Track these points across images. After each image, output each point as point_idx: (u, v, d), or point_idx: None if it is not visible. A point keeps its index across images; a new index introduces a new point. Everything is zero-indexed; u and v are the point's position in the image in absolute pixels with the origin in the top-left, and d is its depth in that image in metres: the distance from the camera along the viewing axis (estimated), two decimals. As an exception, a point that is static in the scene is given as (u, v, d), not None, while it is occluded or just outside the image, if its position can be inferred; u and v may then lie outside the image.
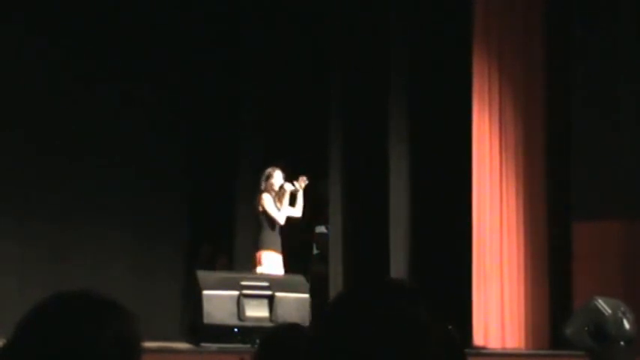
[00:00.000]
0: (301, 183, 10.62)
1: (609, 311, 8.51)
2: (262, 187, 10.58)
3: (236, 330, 9.64)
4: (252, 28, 12.75)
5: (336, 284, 11.45)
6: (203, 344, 9.59)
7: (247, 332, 9.48)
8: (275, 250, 10.50)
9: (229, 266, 12.26)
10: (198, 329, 9.68)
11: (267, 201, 10.50)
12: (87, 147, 12.15)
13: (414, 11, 11.64)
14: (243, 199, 12.56)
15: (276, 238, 10.54)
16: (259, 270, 10.41)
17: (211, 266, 12.05)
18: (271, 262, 10.42)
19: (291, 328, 3.47)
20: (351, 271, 11.74)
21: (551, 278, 10.47)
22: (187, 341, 9.96)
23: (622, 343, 8.38)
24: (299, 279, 10.22)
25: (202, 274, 10.02)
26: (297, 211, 10.72)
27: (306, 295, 10.04)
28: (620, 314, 8.51)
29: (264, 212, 10.50)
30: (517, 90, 10.78)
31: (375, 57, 11.84)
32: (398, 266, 11.32)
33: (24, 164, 11.77)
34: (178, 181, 12.89)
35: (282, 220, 10.50)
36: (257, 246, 10.56)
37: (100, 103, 12.28)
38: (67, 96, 12.08)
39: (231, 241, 12.60)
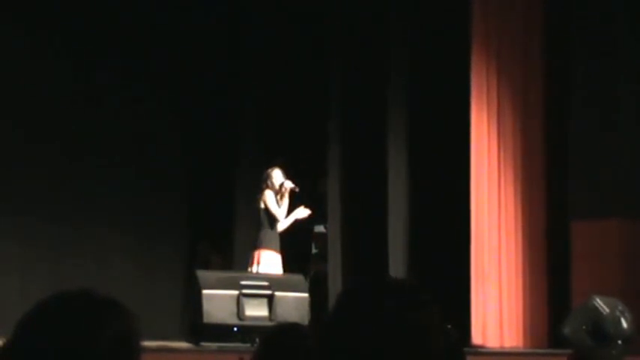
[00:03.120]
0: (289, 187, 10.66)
1: (607, 310, 8.53)
2: (263, 186, 10.62)
3: (236, 329, 9.65)
4: (252, 28, 12.75)
5: (335, 283, 11.46)
6: (203, 343, 9.60)
7: (247, 331, 9.50)
8: (274, 249, 10.52)
9: (223, 266, 12.26)
10: (198, 328, 9.69)
11: (269, 198, 10.54)
12: (87, 147, 12.16)
13: (413, 11, 11.64)
14: (243, 199, 12.56)
15: (275, 237, 10.56)
16: (257, 269, 10.42)
17: (208, 266, 12.06)
18: (270, 262, 10.44)
19: (291, 327, 3.48)
20: (350, 271, 11.75)
21: (549, 277, 10.48)
22: (187, 340, 9.98)
23: (620, 342, 8.40)
24: (298, 278, 10.24)
25: (202, 274, 10.03)
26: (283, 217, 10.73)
27: (306, 295, 10.05)
28: (618, 313, 8.52)
29: (266, 209, 10.53)
30: (516, 89, 10.79)
31: (374, 57, 11.85)
32: (396, 265, 11.33)
33: (24, 164, 11.77)
34: (178, 180, 12.89)
35: (282, 217, 10.54)
36: (255, 244, 10.57)
37: (100, 103, 12.28)
38: (67, 96, 12.08)
39: (230, 240, 12.60)
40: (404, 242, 11.44)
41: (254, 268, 10.47)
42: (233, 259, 12.42)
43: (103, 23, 12.26)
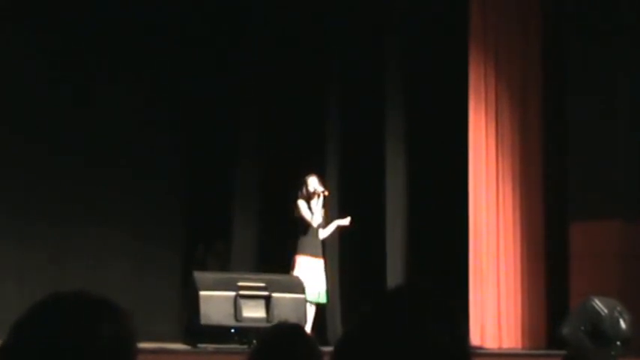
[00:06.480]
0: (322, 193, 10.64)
1: (606, 311, 8.52)
2: (299, 194, 10.58)
3: (233, 331, 9.64)
4: (252, 27, 12.73)
5: (333, 284, 11.43)
6: (200, 345, 9.58)
7: (244, 333, 9.49)
8: (311, 254, 10.47)
9: (220, 267, 12.24)
10: (195, 330, 9.68)
11: (301, 206, 10.51)
12: (86, 147, 12.14)
13: (411, 10, 11.64)
14: (241, 200, 12.56)
15: (312, 243, 10.51)
16: (294, 274, 10.39)
17: (205, 267, 12.03)
18: (307, 267, 10.40)
19: (290, 328, 3.46)
20: (348, 272, 11.75)
21: (547, 278, 10.47)
22: (184, 342, 9.97)
23: (618, 342, 8.39)
24: (296, 279, 10.23)
25: (199, 275, 10.01)
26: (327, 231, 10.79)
27: (303, 296, 10.04)
28: (616, 314, 8.52)
29: (300, 218, 10.51)
30: (514, 89, 10.79)
31: (372, 57, 11.85)
32: (395, 265, 11.33)
33: (23, 165, 11.75)
34: (177, 181, 12.88)
35: (315, 223, 10.49)
36: (294, 251, 10.55)
37: (99, 103, 12.27)
38: (66, 97, 12.06)
39: (228, 242, 12.58)
40: (402, 243, 11.44)
41: (294, 273, 10.43)
42: (230, 261, 12.41)
43: (104, 23, 12.24)
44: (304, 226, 10.52)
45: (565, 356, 4.91)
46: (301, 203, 10.54)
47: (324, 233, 10.73)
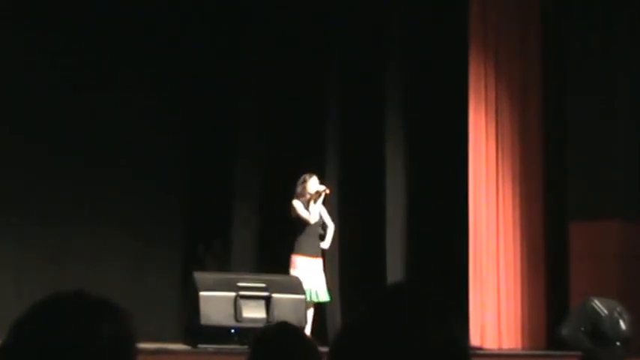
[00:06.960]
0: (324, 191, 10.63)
1: (605, 312, 8.52)
2: (297, 191, 10.55)
3: (233, 331, 9.64)
4: (252, 27, 12.73)
5: (333, 284, 11.44)
6: (200, 345, 9.59)
7: (244, 333, 9.48)
8: (308, 254, 10.44)
9: (220, 267, 12.24)
10: (195, 330, 9.68)
11: (297, 206, 10.48)
12: (85, 147, 12.13)
13: (411, 12, 11.64)
14: (241, 200, 12.55)
15: (308, 242, 10.47)
16: (293, 273, 10.38)
17: (205, 267, 12.04)
18: (304, 267, 10.38)
19: (283, 326, 3.45)
20: (347, 272, 11.74)
21: (547, 278, 10.48)
22: (184, 342, 9.97)
23: (618, 343, 8.39)
24: (296, 280, 10.23)
25: (199, 275, 10.01)
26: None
27: (303, 296, 10.04)
28: (616, 314, 8.51)
29: (297, 217, 10.48)
30: (514, 89, 10.80)
31: (372, 58, 11.85)
32: (394, 266, 11.33)
33: (23, 165, 11.75)
34: (177, 181, 12.87)
35: (312, 220, 10.46)
36: (292, 250, 10.55)
37: (98, 103, 12.26)
38: (65, 97, 12.06)
39: (227, 242, 12.58)
40: (402, 243, 11.44)
41: (291, 273, 10.43)
42: (230, 261, 12.41)
43: (103, 23, 12.24)
44: (301, 226, 10.50)
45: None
46: (297, 203, 10.52)
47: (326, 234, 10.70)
